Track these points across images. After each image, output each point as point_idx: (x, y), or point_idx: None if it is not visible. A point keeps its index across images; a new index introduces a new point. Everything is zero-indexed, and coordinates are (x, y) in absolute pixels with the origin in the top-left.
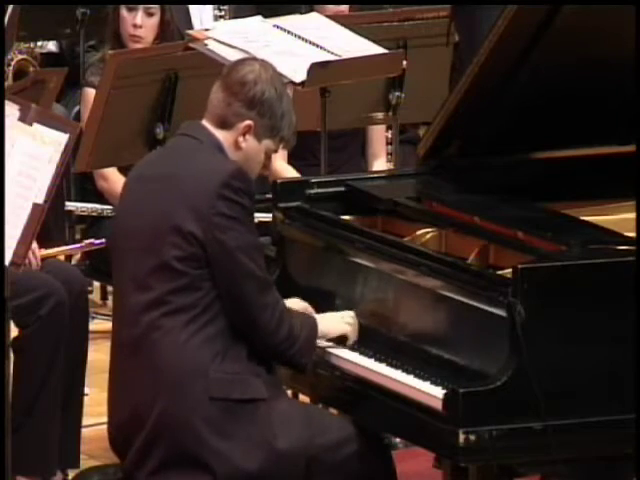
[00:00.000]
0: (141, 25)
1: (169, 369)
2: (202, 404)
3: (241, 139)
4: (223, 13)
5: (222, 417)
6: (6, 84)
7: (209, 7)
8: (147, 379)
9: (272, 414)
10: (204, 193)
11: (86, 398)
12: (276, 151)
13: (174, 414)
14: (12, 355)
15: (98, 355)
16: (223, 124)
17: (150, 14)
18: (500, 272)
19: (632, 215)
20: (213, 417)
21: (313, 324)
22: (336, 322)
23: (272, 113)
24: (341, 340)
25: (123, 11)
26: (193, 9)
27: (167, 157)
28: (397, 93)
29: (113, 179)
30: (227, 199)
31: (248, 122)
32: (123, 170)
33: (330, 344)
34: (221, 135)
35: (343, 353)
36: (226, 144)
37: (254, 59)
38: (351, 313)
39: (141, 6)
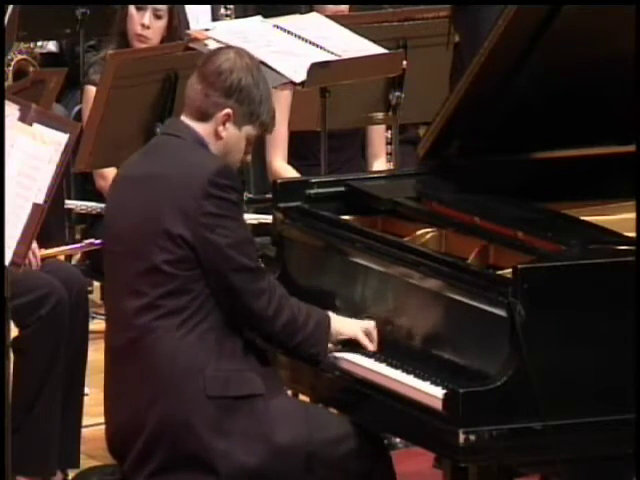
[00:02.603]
0: (149, 26)
1: (165, 371)
2: (200, 403)
3: (221, 128)
4: (229, 12)
5: (220, 415)
6: (6, 84)
7: (207, 7)
8: (144, 382)
9: (270, 409)
10: (190, 194)
11: (86, 398)
12: (257, 137)
13: (173, 416)
14: (12, 355)
15: (98, 355)
16: (202, 116)
17: (158, 16)
18: (500, 272)
19: (632, 215)
20: (211, 416)
21: (323, 317)
22: (354, 325)
23: (250, 99)
24: (358, 345)
25: (132, 10)
26: (190, 9)
27: (152, 156)
28: (397, 93)
29: (112, 178)
30: (214, 197)
31: (227, 110)
32: None
33: (339, 347)
34: (201, 128)
35: (343, 353)
36: (207, 136)
37: (228, 47)
38: (372, 323)
39: (150, 7)
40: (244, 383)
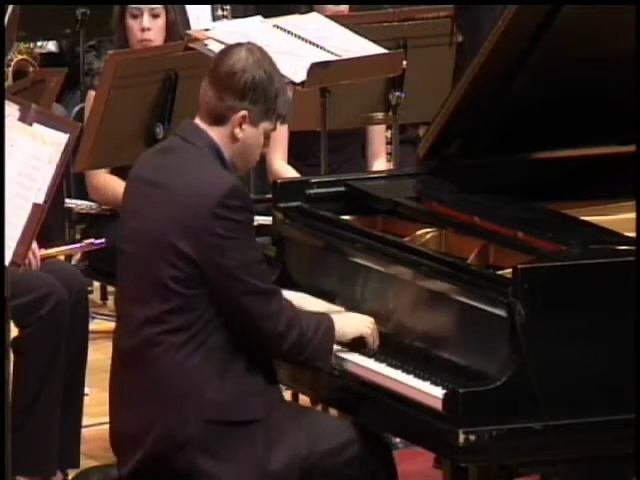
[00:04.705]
0: (149, 27)
1: (166, 389)
2: (198, 427)
3: (237, 130)
4: (226, 13)
5: (217, 439)
6: (6, 84)
7: (207, 7)
8: (146, 395)
9: (269, 432)
10: (199, 214)
11: (86, 398)
12: (274, 129)
13: (170, 436)
14: (12, 355)
15: (98, 355)
16: (218, 120)
17: (155, 15)
18: (500, 272)
19: (632, 215)
20: (208, 440)
21: (330, 325)
22: (356, 323)
23: (265, 96)
24: (359, 345)
25: (128, 21)
26: (190, 9)
27: (165, 160)
28: (397, 93)
29: (104, 185)
30: (223, 218)
31: (243, 113)
32: (120, 173)
33: (339, 348)
34: (216, 133)
35: (343, 353)
36: (222, 141)
37: (239, 45)
38: (370, 319)
39: (145, 9)
40: (244, 408)
